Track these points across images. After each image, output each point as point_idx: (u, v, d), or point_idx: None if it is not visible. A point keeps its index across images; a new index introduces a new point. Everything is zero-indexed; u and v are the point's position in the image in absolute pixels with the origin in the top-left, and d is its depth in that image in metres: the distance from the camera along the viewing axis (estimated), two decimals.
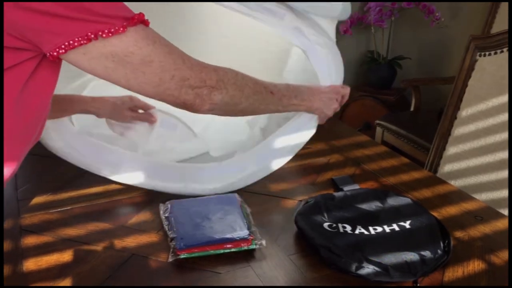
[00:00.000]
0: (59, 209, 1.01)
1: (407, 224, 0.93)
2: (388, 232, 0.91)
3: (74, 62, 0.70)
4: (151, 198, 1.06)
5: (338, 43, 2.71)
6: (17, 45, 0.67)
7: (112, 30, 0.67)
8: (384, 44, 2.93)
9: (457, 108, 1.37)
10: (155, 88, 0.74)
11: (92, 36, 0.66)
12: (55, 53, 0.67)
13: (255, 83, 0.87)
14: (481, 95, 1.31)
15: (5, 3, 0.63)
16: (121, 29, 0.68)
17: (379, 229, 0.92)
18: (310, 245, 0.89)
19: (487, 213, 1.04)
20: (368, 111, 2.83)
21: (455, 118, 1.38)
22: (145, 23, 0.72)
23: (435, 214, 0.99)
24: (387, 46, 2.95)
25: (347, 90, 1.06)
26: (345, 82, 3.52)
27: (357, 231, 0.91)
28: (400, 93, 2.92)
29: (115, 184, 1.10)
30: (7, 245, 0.89)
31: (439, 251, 0.86)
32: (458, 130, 1.37)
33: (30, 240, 0.91)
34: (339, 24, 2.74)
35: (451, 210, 1.04)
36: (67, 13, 0.64)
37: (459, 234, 0.95)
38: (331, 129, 1.43)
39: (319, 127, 1.29)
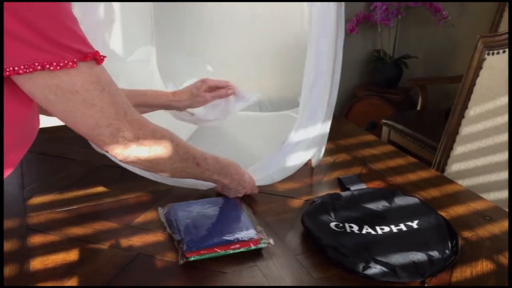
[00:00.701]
0: (65, 208, 1.01)
1: (414, 224, 0.92)
2: (395, 232, 0.90)
3: (18, 84, 0.67)
4: (157, 197, 1.06)
5: (344, 41, 2.69)
6: None
7: (61, 64, 0.64)
8: (390, 43, 2.91)
9: (465, 107, 1.36)
10: (89, 130, 0.73)
11: (39, 67, 0.63)
12: (6, 73, 0.64)
13: (186, 152, 0.88)
14: (489, 94, 1.30)
15: None
16: (70, 63, 0.65)
17: (387, 229, 0.91)
18: (317, 245, 0.88)
19: (496, 213, 1.03)
20: (375, 110, 2.82)
21: (463, 117, 1.36)
22: (99, 61, 0.69)
23: (443, 214, 0.99)
24: (394, 45, 2.93)
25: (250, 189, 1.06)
26: (351, 81, 3.50)
27: (364, 231, 0.90)
28: (407, 92, 2.90)
29: (121, 183, 1.10)
30: (13, 244, 0.89)
31: (447, 251, 0.85)
32: (466, 129, 1.35)
33: (37, 239, 0.91)
34: (346, 23, 2.73)
35: (459, 210, 1.03)
36: (19, 31, 0.61)
37: (467, 234, 0.94)
38: (338, 129, 1.43)
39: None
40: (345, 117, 2.90)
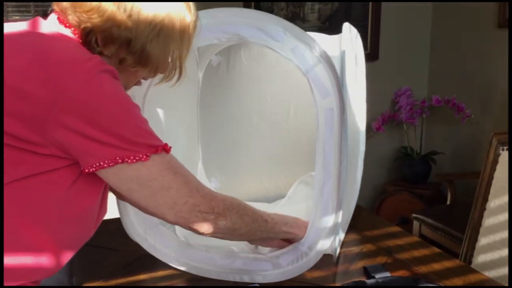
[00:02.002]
0: None
1: None
2: None
3: (104, 178, 0.81)
4: (192, 284, 1.14)
5: (371, 140, 2.83)
6: (59, 155, 0.77)
7: (137, 157, 0.77)
8: (417, 140, 3.03)
9: (485, 199, 1.42)
10: (169, 210, 0.85)
11: (120, 160, 0.77)
12: (86, 170, 0.78)
13: (254, 213, 0.99)
14: (505, 186, 1.36)
15: (52, 121, 0.73)
16: (144, 157, 0.77)
17: None
18: None
19: None
20: (405, 206, 2.86)
21: (485, 209, 1.42)
22: (167, 151, 0.82)
23: None
24: (420, 141, 3.04)
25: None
26: (380, 177, 3.58)
27: None
28: (437, 187, 2.95)
29: (160, 272, 1.19)
30: None
31: None
32: (488, 221, 1.40)
33: None
34: (372, 122, 2.88)
35: None
36: (101, 137, 0.74)
37: None
38: (365, 221, 1.50)
39: (352, 219, 1.37)
40: (376, 212, 2.94)
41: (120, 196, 0.99)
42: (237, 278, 1.15)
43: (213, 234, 0.92)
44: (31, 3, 2.49)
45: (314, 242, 1.10)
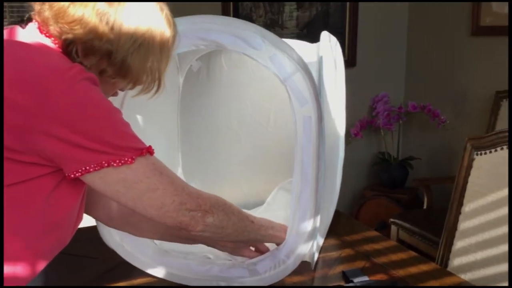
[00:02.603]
0: None
1: None
2: None
3: (90, 183, 0.81)
4: None
5: (349, 145, 2.86)
6: (41, 162, 0.77)
7: (122, 161, 0.78)
8: (394, 146, 3.07)
9: (460, 203, 1.45)
10: (157, 210, 0.85)
11: (106, 164, 0.77)
12: (72, 175, 0.78)
13: (240, 212, 1.00)
14: (480, 191, 1.39)
15: (35, 129, 0.73)
16: (130, 160, 0.79)
17: None
18: None
19: None
20: (383, 210, 2.90)
21: (460, 213, 1.45)
22: (152, 153, 0.83)
23: None
24: (397, 147, 3.08)
25: None
26: (359, 182, 3.62)
27: None
28: (414, 192, 3.00)
29: (139, 279, 1.18)
30: None
31: None
32: (464, 225, 1.43)
33: None
34: (350, 127, 2.92)
35: None
36: (86, 144, 0.75)
37: None
38: (344, 227, 1.52)
39: (331, 224, 1.38)
40: (355, 217, 2.97)
41: (90, 207, 0.98)
42: (213, 284, 1.15)
43: (202, 233, 0.92)
44: (6, 10, 2.46)
45: (292, 249, 1.11)
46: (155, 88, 0.90)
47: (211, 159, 1.68)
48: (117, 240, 1.19)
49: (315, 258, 1.22)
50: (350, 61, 3.01)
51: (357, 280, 1.14)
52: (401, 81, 3.21)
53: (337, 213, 1.50)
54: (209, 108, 1.65)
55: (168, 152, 1.63)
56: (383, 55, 3.14)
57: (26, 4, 0.85)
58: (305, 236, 1.10)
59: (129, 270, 1.22)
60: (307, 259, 1.15)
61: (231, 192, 1.65)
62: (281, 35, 1.15)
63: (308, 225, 1.10)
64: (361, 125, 2.98)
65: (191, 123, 1.65)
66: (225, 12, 2.73)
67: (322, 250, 1.34)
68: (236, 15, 2.79)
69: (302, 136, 1.09)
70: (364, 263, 1.27)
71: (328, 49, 1.27)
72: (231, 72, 1.60)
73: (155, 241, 1.23)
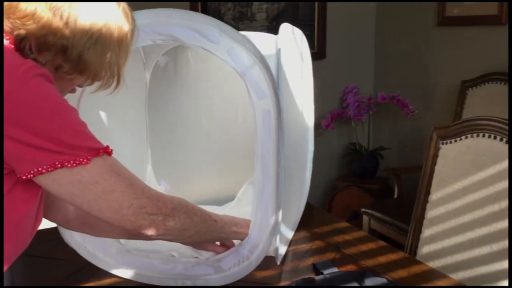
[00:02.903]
0: None
1: None
2: None
3: (43, 185, 0.78)
4: None
5: (321, 137, 2.87)
6: None
7: (77, 161, 0.75)
8: (365, 136, 3.10)
9: (427, 192, 1.47)
10: (115, 213, 0.82)
11: (59, 165, 0.74)
12: (24, 177, 0.75)
13: (202, 212, 0.98)
14: (446, 179, 1.42)
15: None
16: (85, 160, 0.75)
17: None
18: None
19: None
20: (355, 201, 2.93)
21: (427, 202, 1.47)
22: (109, 153, 0.80)
23: None
24: (368, 137, 3.12)
25: None
26: (331, 173, 3.63)
27: None
28: (384, 182, 3.04)
29: (107, 280, 1.16)
30: None
31: None
32: (431, 213, 1.46)
33: None
34: (321, 119, 2.93)
35: None
36: (38, 143, 0.71)
37: None
38: (314, 218, 1.53)
39: (302, 216, 1.39)
40: (327, 208, 3.00)
41: (45, 209, 0.96)
42: (179, 283, 1.14)
43: (162, 236, 0.90)
44: None
45: (255, 244, 1.10)
46: (114, 84, 0.87)
47: (180, 155, 1.66)
48: (79, 240, 1.17)
49: (282, 253, 1.22)
50: (319, 53, 3.02)
51: (327, 271, 1.15)
52: (371, 72, 3.25)
53: (308, 206, 1.51)
54: (177, 104, 1.63)
55: (137, 149, 1.61)
56: (353, 47, 3.16)
57: None
58: (268, 231, 1.10)
59: (97, 271, 1.20)
60: (271, 253, 1.15)
61: (201, 188, 1.64)
62: (251, 28, 1.14)
63: (270, 220, 1.10)
64: (332, 116, 3.00)
65: (159, 119, 1.63)
66: (193, 6, 2.70)
67: (292, 243, 1.35)
68: (205, 8, 2.76)
69: (261, 130, 1.08)
70: (335, 254, 1.28)
71: (290, 41, 1.26)
72: (198, 66, 1.58)
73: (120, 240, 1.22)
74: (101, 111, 1.40)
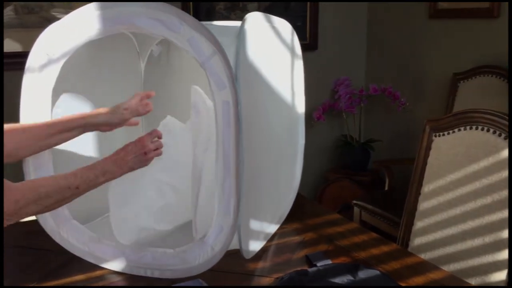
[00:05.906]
0: None
1: None
2: None
3: None
4: (130, 283, 1.11)
5: (312, 129, 2.86)
6: None
7: None
8: (356, 128, 3.10)
9: (420, 184, 1.47)
10: None
11: None
12: None
13: (58, 189, 0.97)
14: (438, 172, 1.42)
15: None
16: None
17: None
18: None
19: (452, 282, 1.10)
20: (346, 193, 2.93)
21: (419, 194, 1.47)
22: None
23: (403, 284, 1.06)
24: (359, 130, 3.12)
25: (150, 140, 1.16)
26: (322, 165, 3.62)
27: None
28: (376, 174, 3.04)
29: (97, 271, 1.15)
30: None
31: None
32: (423, 205, 1.46)
33: None
34: (313, 111, 2.92)
35: (418, 280, 1.11)
36: None
37: None
38: (307, 210, 1.52)
39: (294, 208, 1.38)
40: (319, 200, 3.00)
41: None
42: (148, 273, 1.15)
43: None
44: None
45: (217, 239, 1.11)
46: None
47: None
48: (54, 226, 1.18)
49: (255, 249, 1.21)
50: (311, 45, 3.01)
51: (320, 263, 1.15)
52: (362, 64, 3.24)
53: (300, 198, 1.51)
54: (172, 93, 1.61)
55: (132, 138, 1.58)
56: (344, 38, 3.15)
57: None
58: (229, 226, 1.09)
59: (87, 262, 1.19)
60: (237, 247, 1.14)
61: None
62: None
63: (231, 215, 1.09)
64: (323, 108, 3.00)
65: (154, 108, 1.61)
66: None
67: (285, 235, 1.35)
68: None
69: (221, 122, 1.07)
70: (327, 246, 1.28)
71: (263, 31, 1.23)
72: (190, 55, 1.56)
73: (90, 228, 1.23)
74: (98, 100, 1.38)
